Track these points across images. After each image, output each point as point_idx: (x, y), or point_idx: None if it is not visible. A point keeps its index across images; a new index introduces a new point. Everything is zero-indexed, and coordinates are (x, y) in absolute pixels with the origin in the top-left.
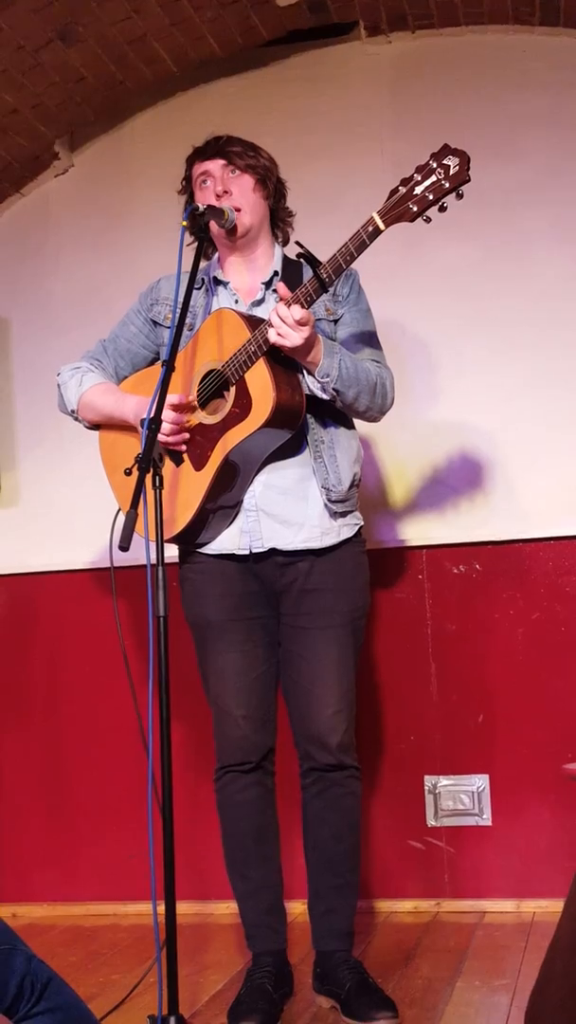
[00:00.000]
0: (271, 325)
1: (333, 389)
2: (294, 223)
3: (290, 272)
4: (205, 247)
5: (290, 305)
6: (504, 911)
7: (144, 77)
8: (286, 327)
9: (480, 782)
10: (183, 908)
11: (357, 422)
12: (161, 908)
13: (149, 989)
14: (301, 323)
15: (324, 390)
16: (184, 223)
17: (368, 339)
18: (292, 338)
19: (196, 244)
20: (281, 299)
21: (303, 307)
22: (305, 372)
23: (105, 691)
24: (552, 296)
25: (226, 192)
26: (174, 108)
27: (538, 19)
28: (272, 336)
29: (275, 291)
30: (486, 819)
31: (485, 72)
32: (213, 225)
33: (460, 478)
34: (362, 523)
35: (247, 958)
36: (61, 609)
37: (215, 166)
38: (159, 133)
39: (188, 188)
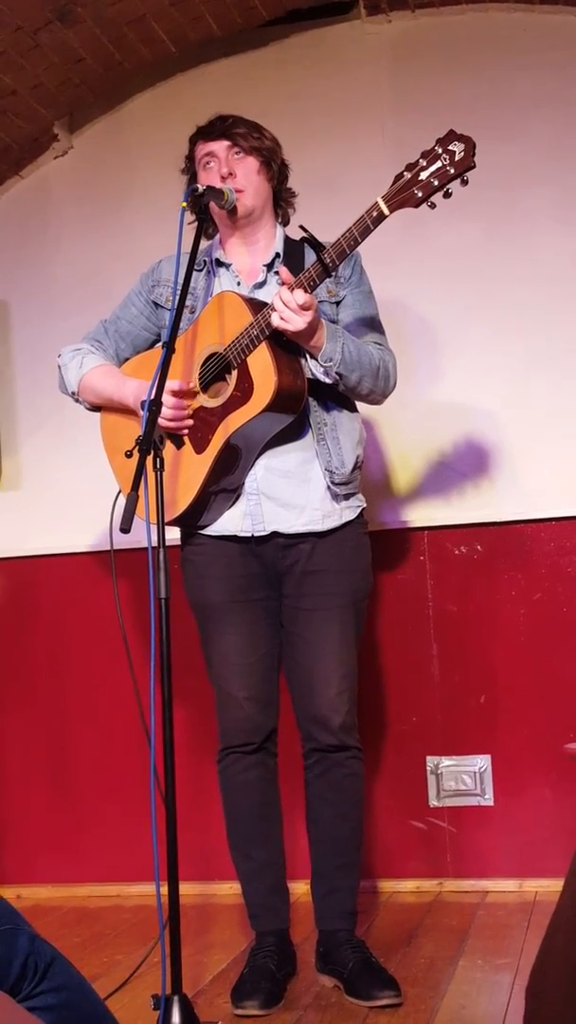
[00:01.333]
0: (274, 309)
1: (336, 373)
2: (296, 202)
3: (292, 253)
4: (206, 227)
5: (293, 290)
6: (506, 891)
7: (143, 58)
8: (289, 311)
9: (482, 762)
10: (186, 889)
11: (359, 404)
12: (164, 889)
13: (152, 969)
14: (304, 308)
15: (327, 374)
16: (184, 204)
17: (370, 321)
18: (295, 322)
19: (196, 226)
20: (284, 283)
21: (306, 291)
22: (308, 356)
23: (108, 673)
24: (555, 276)
25: (231, 174)
26: (173, 89)
27: None
28: (275, 320)
29: (277, 274)
30: (488, 799)
31: (486, 51)
32: (214, 206)
33: (462, 460)
34: (364, 505)
35: (250, 938)
36: (63, 592)
37: (220, 147)
38: (158, 114)
39: (191, 168)
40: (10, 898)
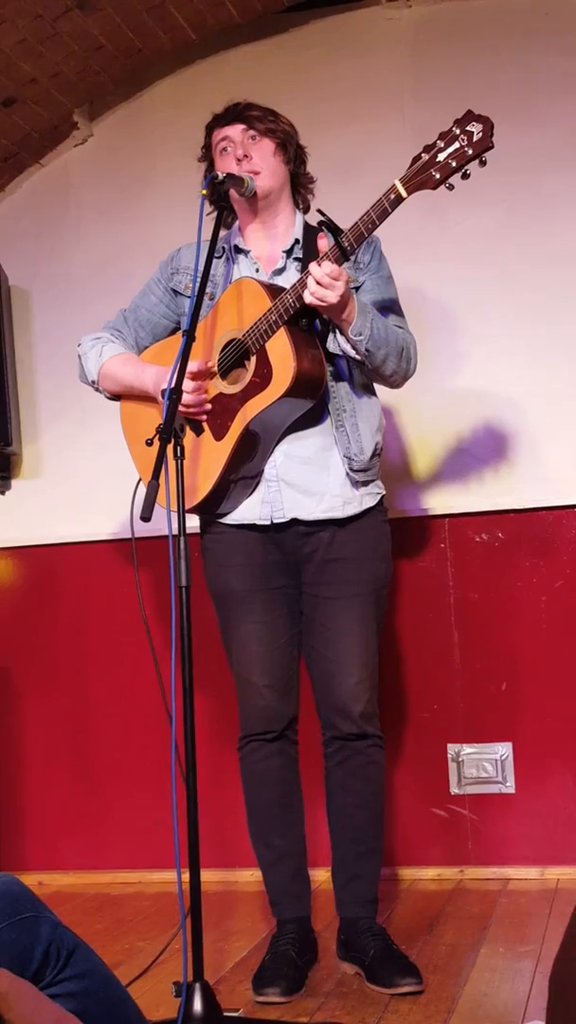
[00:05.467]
0: (305, 286)
1: (365, 349)
2: (316, 190)
3: (311, 240)
4: (225, 216)
5: (321, 263)
6: (528, 878)
7: (163, 45)
8: (322, 286)
9: (503, 750)
10: (207, 876)
11: (379, 391)
12: (186, 876)
13: (174, 956)
14: (334, 278)
15: (356, 349)
16: (204, 191)
17: (391, 305)
18: (329, 296)
19: (216, 213)
20: (319, 253)
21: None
22: (337, 332)
23: (130, 660)
24: (575, 260)
25: (246, 156)
26: (193, 76)
27: None
28: (307, 297)
29: (298, 259)
30: (509, 787)
31: (506, 35)
32: (233, 193)
33: (483, 446)
34: (384, 492)
35: (271, 925)
36: (85, 579)
37: (235, 131)
38: (178, 101)
39: (208, 156)
40: (32, 885)
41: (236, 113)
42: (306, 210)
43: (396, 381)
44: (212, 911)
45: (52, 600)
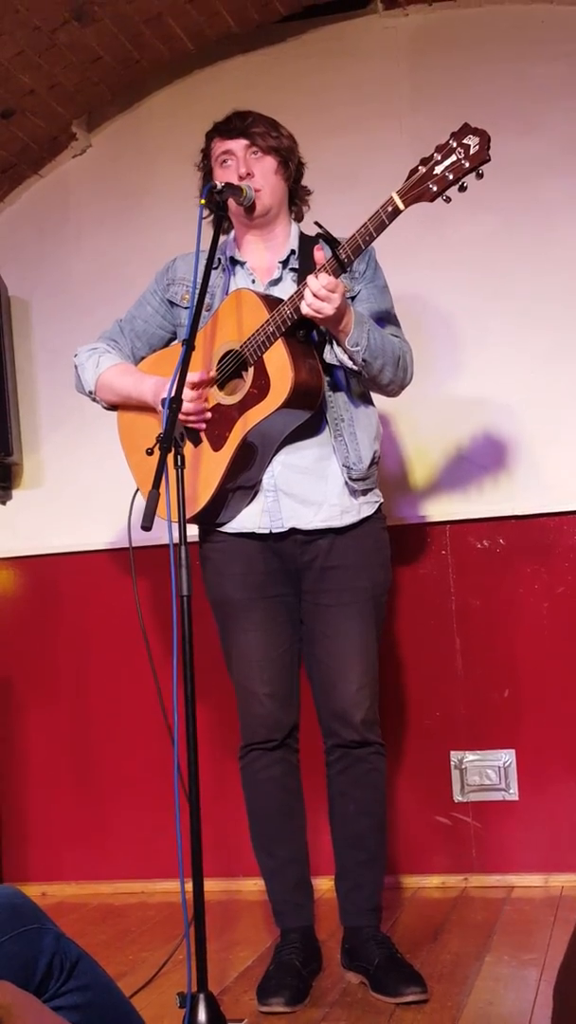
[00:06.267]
0: (301, 298)
1: (362, 359)
2: (314, 198)
3: (307, 250)
4: (224, 224)
5: (317, 275)
6: (532, 886)
7: (161, 55)
8: (319, 300)
9: (506, 757)
10: (211, 885)
11: (377, 398)
12: (189, 886)
13: (178, 966)
14: (331, 290)
15: (353, 360)
16: (202, 201)
17: (386, 315)
18: (325, 309)
19: (214, 223)
20: (317, 265)
21: (329, 276)
22: (334, 343)
23: (131, 670)
24: (573, 267)
25: (248, 174)
26: (191, 86)
27: None
28: (304, 309)
29: (294, 270)
30: (513, 794)
31: (503, 44)
32: (231, 202)
33: (483, 453)
34: (382, 500)
35: (275, 935)
36: (86, 589)
37: (238, 146)
38: (176, 111)
39: (206, 165)
40: (35, 896)
41: (241, 128)
42: (299, 219)
43: (393, 390)
44: (215, 921)
45: (54, 610)
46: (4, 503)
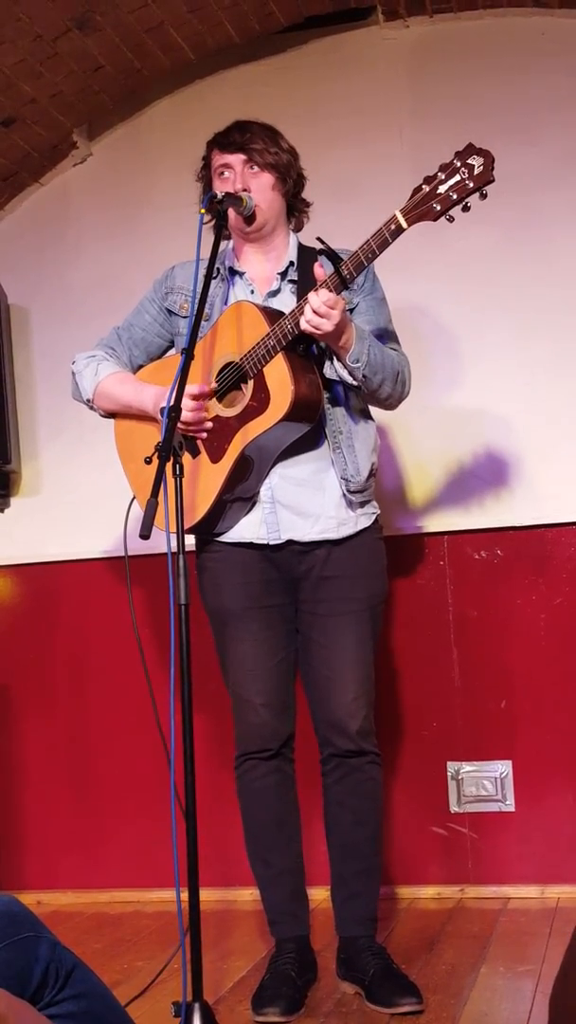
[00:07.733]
0: (301, 314)
1: (362, 375)
2: (314, 208)
3: (305, 261)
4: (224, 232)
5: (318, 291)
6: (528, 897)
7: (162, 65)
8: (319, 316)
9: (503, 768)
10: (206, 895)
11: (374, 411)
12: (184, 895)
13: (173, 975)
14: (331, 306)
15: (353, 375)
16: (202, 210)
17: (384, 327)
18: (325, 325)
19: (215, 231)
20: (316, 280)
21: (330, 292)
22: (334, 358)
23: (128, 679)
24: (573, 281)
25: (245, 190)
26: (192, 96)
27: (558, 1)
28: (303, 325)
29: (293, 281)
30: (509, 805)
31: (504, 55)
32: (230, 214)
33: (481, 464)
34: (379, 512)
35: (270, 944)
36: (83, 597)
37: (236, 160)
38: (177, 121)
39: (206, 175)
40: (31, 904)
41: (240, 143)
42: (298, 229)
43: (391, 403)
44: (211, 930)
45: (51, 618)
46: (2, 511)
